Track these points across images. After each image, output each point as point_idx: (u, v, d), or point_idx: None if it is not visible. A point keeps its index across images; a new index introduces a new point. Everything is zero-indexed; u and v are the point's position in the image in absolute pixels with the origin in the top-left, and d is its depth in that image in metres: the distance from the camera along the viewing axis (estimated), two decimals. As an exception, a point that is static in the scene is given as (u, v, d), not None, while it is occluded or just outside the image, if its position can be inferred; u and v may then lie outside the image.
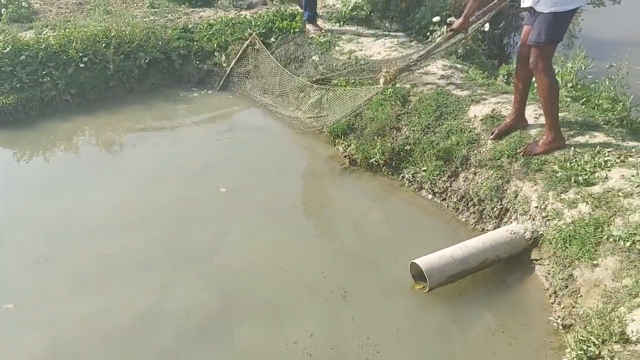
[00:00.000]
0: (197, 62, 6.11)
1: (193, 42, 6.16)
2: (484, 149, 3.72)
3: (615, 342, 2.34)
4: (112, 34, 5.75)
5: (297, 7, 6.54)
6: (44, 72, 5.35)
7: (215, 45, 6.05)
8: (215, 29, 6.23)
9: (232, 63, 5.84)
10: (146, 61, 5.79)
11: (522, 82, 3.54)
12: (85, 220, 3.77)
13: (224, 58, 5.99)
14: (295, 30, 6.01)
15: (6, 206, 3.95)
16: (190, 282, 3.22)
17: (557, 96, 3.39)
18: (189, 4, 7.25)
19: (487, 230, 3.45)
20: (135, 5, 7.56)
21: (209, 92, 5.90)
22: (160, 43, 5.92)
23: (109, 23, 6.00)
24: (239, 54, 5.83)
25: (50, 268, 3.34)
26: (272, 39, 5.96)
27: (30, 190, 4.16)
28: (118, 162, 4.64)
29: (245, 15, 6.56)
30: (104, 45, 5.65)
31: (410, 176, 3.94)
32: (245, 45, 5.81)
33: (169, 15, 6.74)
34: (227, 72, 5.86)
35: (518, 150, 3.52)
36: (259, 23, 6.14)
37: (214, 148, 4.84)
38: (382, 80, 4.06)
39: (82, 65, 5.49)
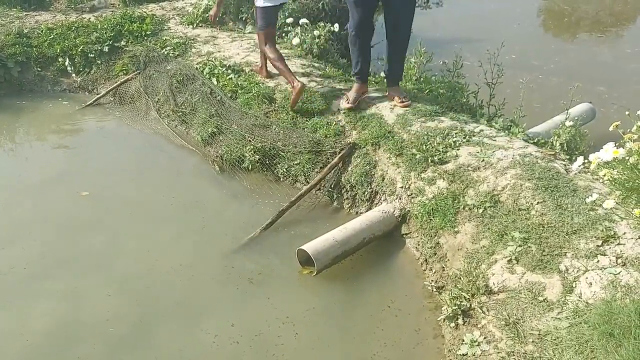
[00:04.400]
0: (39, 69, 5.68)
1: (32, 47, 5.69)
2: (350, 139, 4.00)
3: (482, 294, 2.70)
4: None
5: (148, 8, 6.29)
6: None
7: (58, 50, 5.65)
8: (57, 34, 5.81)
9: (104, 92, 5.48)
10: (-22, 70, 5.24)
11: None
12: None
13: (68, 62, 5.64)
14: (147, 33, 5.85)
15: None
16: (98, 290, 3.11)
17: (281, 61, 4.29)
18: (21, 7, 6.64)
19: (361, 213, 3.72)
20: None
21: (58, 101, 5.50)
22: (-8, 50, 5.39)
23: None
24: (114, 86, 5.47)
25: None
26: (123, 43, 5.74)
27: None
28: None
29: (89, 18, 6.20)
30: None
31: (285, 170, 4.08)
32: (122, 81, 5.47)
33: (-1, 20, 6.13)
34: (98, 97, 5.47)
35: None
36: (105, 26, 5.85)
37: (65, 156, 4.61)
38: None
39: None
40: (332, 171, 3.88)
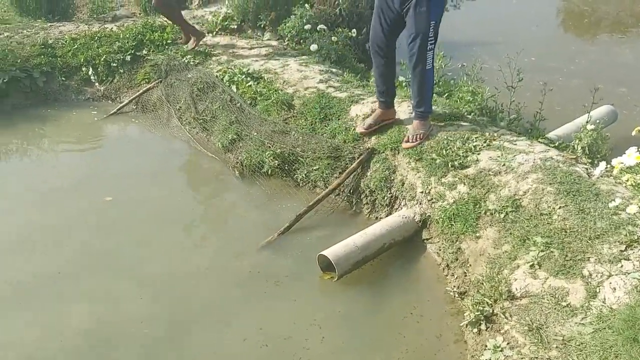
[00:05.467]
0: (63, 78, 5.80)
1: (56, 57, 5.82)
2: (369, 145, 4.01)
3: (505, 300, 2.69)
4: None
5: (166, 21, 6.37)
6: None
7: (82, 60, 5.77)
8: (80, 44, 5.94)
9: (127, 101, 5.57)
10: (5, 80, 5.38)
11: None
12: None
13: (91, 71, 5.76)
14: (168, 42, 5.94)
15: None
16: (129, 293, 3.19)
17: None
18: (46, 18, 6.80)
19: (381, 218, 3.73)
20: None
21: (82, 109, 5.61)
22: (19, 61, 5.52)
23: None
24: (136, 95, 5.57)
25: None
26: (144, 52, 5.84)
27: None
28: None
29: (112, 28, 6.32)
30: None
31: (304, 175, 4.11)
32: (144, 90, 5.56)
33: (24, 31, 6.25)
34: (121, 105, 5.56)
35: None
36: (127, 36, 5.96)
37: (90, 163, 4.72)
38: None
39: None
40: (351, 176, 3.90)
